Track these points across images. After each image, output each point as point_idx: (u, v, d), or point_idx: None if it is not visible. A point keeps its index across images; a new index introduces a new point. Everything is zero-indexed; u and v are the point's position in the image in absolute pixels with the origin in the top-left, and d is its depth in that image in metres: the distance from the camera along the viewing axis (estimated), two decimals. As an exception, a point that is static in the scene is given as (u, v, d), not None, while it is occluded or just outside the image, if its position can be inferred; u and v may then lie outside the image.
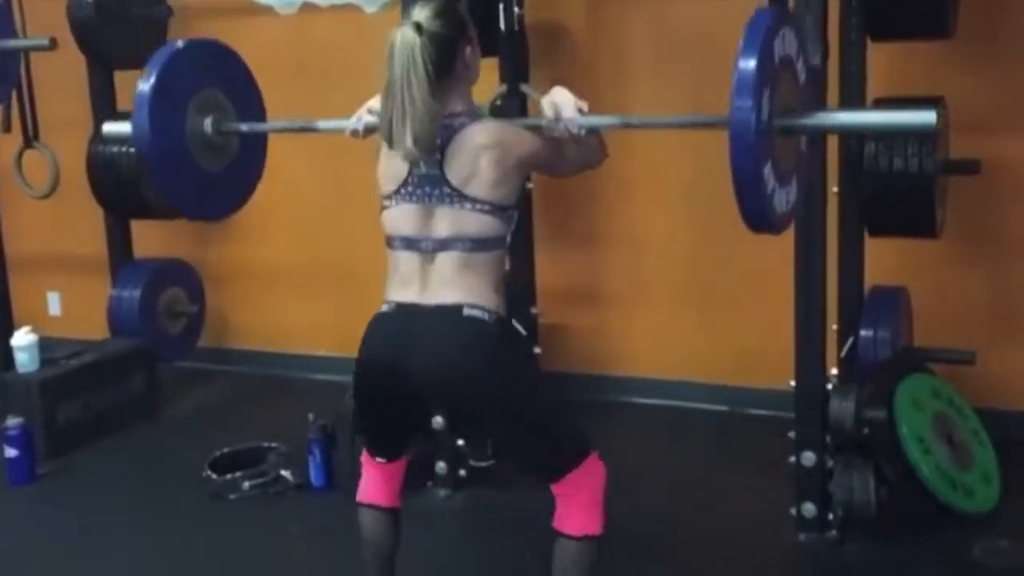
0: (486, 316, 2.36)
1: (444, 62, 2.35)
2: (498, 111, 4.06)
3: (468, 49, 2.43)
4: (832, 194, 3.40)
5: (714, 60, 4.28)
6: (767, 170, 2.15)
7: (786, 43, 2.22)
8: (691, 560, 3.27)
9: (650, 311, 4.56)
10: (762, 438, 3.92)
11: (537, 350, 4.40)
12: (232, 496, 3.81)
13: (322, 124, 2.84)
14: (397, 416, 2.60)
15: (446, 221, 2.37)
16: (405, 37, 2.30)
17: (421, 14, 2.35)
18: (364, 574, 2.71)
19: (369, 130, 2.58)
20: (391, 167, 2.43)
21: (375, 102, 2.50)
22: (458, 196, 2.35)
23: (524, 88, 4.03)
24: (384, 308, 2.45)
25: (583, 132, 2.44)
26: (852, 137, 3.45)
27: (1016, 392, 4.00)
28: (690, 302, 4.50)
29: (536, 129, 2.46)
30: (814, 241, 3.20)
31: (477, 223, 2.36)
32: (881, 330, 3.60)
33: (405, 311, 2.41)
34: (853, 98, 3.51)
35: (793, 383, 3.27)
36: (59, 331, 5.23)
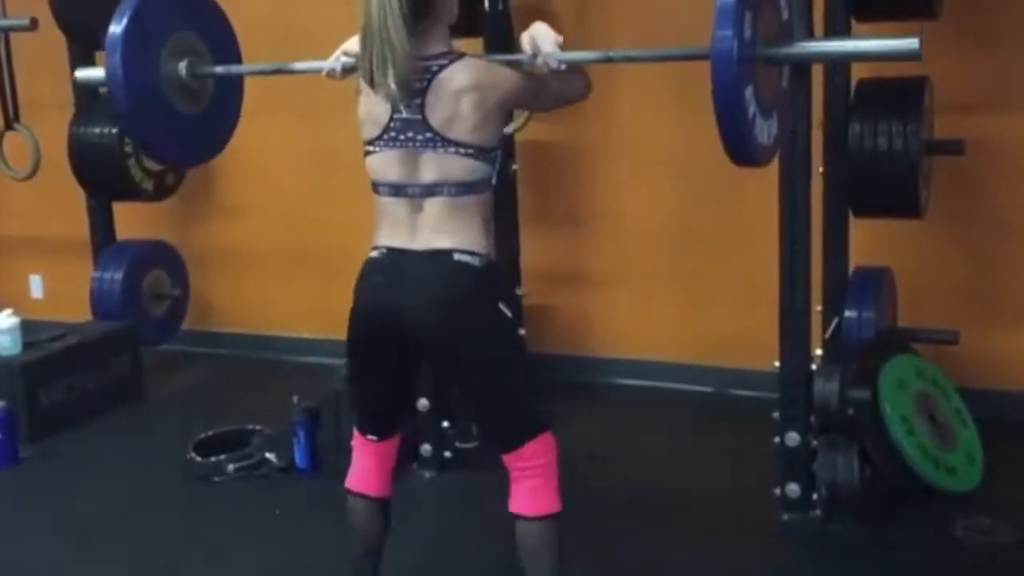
0: (476, 261, 2.36)
1: (421, 3, 2.31)
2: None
3: None
4: (817, 175, 3.40)
5: (701, 41, 4.31)
6: (748, 92, 2.12)
7: None
8: (675, 540, 3.27)
9: (635, 292, 4.56)
10: (746, 419, 3.93)
11: (522, 331, 4.39)
12: (217, 479, 3.80)
13: (298, 65, 2.79)
14: (389, 370, 2.55)
15: (431, 166, 2.35)
16: None
17: None
18: (351, 562, 2.69)
19: (346, 71, 2.54)
20: (373, 111, 2.40)
21: (351, 44, 2.47)
22: (441, 140, 2.33)
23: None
24: (374, 253, 2.44)
25: (563, 67, 2.39)
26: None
27: (999, 372, 4.02)
28: (675, 283, 4.50)
29: (516, 65, 2.42)
30: (799, 222, 3.20)
31: (462, 167, 2.34)
32: (865, 311, 3.61)
33: (396, 255, 2.40)
34: (837, 77, 3.51)
35: (778, 364, 3.28)
36: (41, 314, 5.19)
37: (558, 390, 4.44)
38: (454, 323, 2.36)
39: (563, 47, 2.36)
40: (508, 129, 4.06)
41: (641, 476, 3.68)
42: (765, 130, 2.24)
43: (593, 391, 4.55)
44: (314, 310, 5.05)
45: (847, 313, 3.61)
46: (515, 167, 4.31)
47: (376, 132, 2.40)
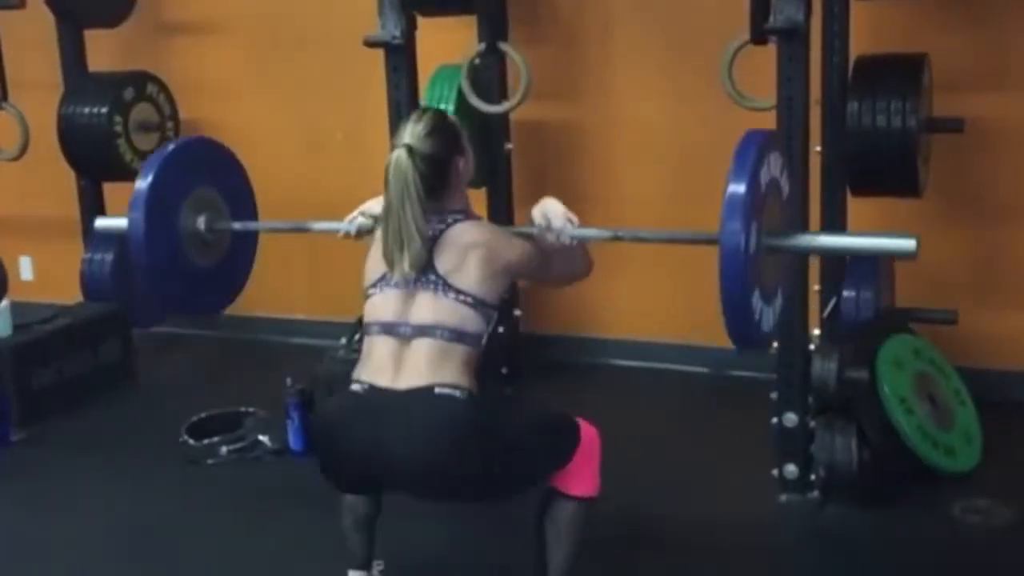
0: (458, 393, 2.31)
1: (437, 179, 2.40)
2: (476, 71, 4.00)
3: (461, 162, 2.47)
4: (815, 153, 3.36)
5: (698, 20, 4.29)
6: (755, 298, 2.18)
7: (771, 167, 2.24)
8: (672, 522, 3.26)
9: (631, 272, 4.52)
10: (744, 399, 3.92)
11: (517, 312, 4.37)
12: (210, 461, 3.78)
13: (316, 225, 2.89)
14: (371, 490, 2.62)
15: (427, 307, 2.36)
16: (399, 162, 2.34)
17: (413, 134, 2.38)
18: (345, 540, 2.70)
19: (361, 233, 2.63)
20: (381, 260, 2.43)
21: (369, 205, 2.61)
22: (443, 284, 2.36)
23: (503, 47, 3.96)
24: (355, 387, 2.41)
25: (574, 242, 2.48)
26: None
27: (997, 352, 4.00)
28: (671, 263, 4.46)
29: (526, 237, 2.49)
30: (796, 200, 3.16)
31: (457, 314, 2.35)
32: (863, 290, 3.59)
33: (377, 394, 2.36)
34: (836, 55, 3.47)
35: (775, 344, 3.25)
36: (31, 296, 5.15)
37: (554, 371, 4.44)
38: (443, 467, 2.31)
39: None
40: (503, 107, 4.03)
41: (637, 457, 3.65)
42: (769, 318, 2.30)
43: (590, 372, 4.53)
44: (307, 291, 5.01)
45: (845, 293, 3.59)
46: (510, 147, 4.28)
47: (379, 275, 2.43)
